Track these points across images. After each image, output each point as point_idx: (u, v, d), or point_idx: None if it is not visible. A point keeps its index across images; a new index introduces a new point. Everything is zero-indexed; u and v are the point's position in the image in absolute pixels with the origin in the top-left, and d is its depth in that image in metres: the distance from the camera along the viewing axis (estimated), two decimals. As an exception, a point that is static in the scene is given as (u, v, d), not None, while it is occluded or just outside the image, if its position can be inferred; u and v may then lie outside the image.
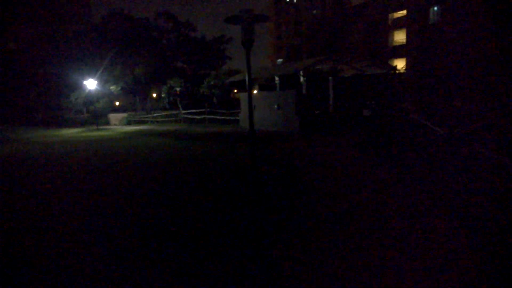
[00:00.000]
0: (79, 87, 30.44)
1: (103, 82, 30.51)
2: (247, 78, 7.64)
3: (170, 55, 32.45)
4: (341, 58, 23.08)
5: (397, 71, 24.87)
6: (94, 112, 31.66)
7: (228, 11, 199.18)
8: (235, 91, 32.96)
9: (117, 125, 31.08)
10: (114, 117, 32.54)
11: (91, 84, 26.63)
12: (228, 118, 25.42)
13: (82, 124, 33.09)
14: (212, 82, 27.79)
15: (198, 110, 27.96)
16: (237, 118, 24.07)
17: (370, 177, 7.65)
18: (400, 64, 36.42)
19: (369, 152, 10.85)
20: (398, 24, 41.75)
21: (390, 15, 42.35)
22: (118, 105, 41.75)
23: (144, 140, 17.16)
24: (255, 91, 25.65)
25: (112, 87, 31.23)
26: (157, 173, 8.95)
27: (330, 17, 48.41)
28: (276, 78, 22.76)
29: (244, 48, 7.48)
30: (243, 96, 23.33)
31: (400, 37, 41.88)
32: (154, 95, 34.32)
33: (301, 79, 23.37)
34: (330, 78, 23.05)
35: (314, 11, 57.40)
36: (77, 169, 9.94)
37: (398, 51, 41.54)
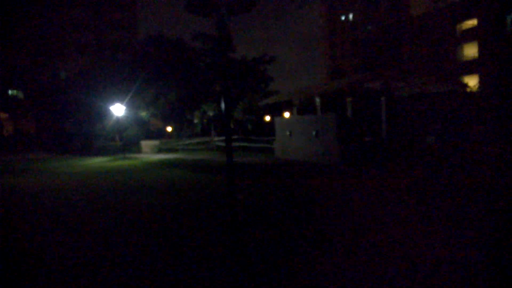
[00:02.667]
0: (111, 114, 30.05)
1: (135, 108, 29.91)
2: (224, 103, 5.41)
3: (206, 78, 31.25)
4: (396, 75, 20.11)
5: (468, 89, 21.36)
6: (126, 140, 31.04)
7: (271, 32, 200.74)
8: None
9: (148, 153, 30.10)
10: (146, 144, 31.76)
11: (118, 109, 25.90)
12: (263, 146, 23.22)
13: (113, 152, 32.64)
14: (246, 106, 25.91)
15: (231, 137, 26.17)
16: (272, 146, 21.74)
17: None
18: (471, 81, 32.24)
19: (437, 202, 7.91)
20: (468, 35, 37.65)
21: (458, 26, 38.40)
22: (171, 131, 41.24)
23: (159, 173, 15.33)
24: (290, 114, 23.28)
25: (143, 113, 30.56)
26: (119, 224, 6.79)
27: (385, 31, 45.17)
28: (317, 100, 20.21)
29: (219, 46, 5.24)
30: (279, 121, 21.04)
31: (470, 50, 37.66)
32: (194, 120, 33.36)
33: (347, 99, 20.72)
34: (383, 98, 20.12)
35: (369, 27, 54.46)
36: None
37: (468, 66, 37.28)
